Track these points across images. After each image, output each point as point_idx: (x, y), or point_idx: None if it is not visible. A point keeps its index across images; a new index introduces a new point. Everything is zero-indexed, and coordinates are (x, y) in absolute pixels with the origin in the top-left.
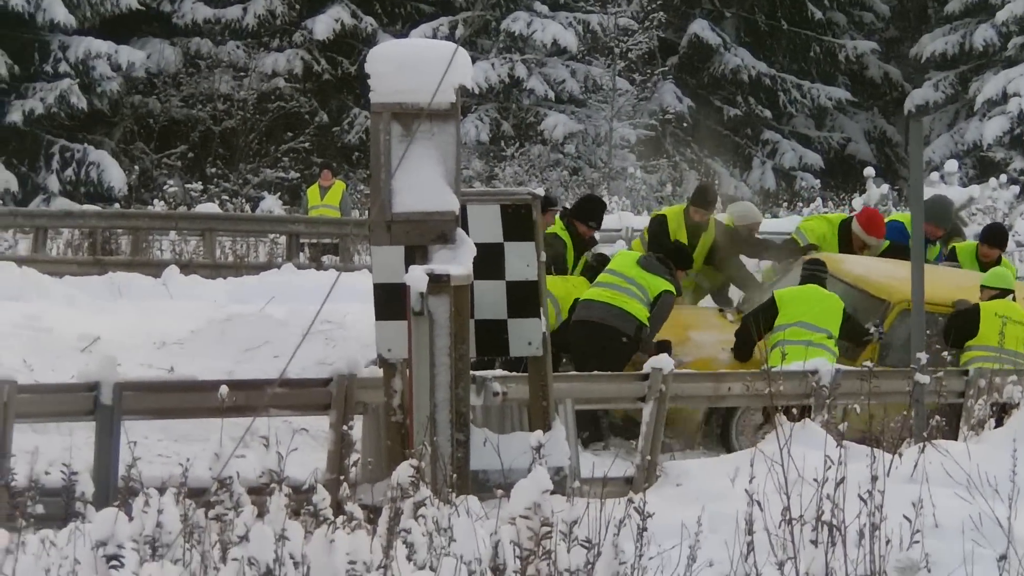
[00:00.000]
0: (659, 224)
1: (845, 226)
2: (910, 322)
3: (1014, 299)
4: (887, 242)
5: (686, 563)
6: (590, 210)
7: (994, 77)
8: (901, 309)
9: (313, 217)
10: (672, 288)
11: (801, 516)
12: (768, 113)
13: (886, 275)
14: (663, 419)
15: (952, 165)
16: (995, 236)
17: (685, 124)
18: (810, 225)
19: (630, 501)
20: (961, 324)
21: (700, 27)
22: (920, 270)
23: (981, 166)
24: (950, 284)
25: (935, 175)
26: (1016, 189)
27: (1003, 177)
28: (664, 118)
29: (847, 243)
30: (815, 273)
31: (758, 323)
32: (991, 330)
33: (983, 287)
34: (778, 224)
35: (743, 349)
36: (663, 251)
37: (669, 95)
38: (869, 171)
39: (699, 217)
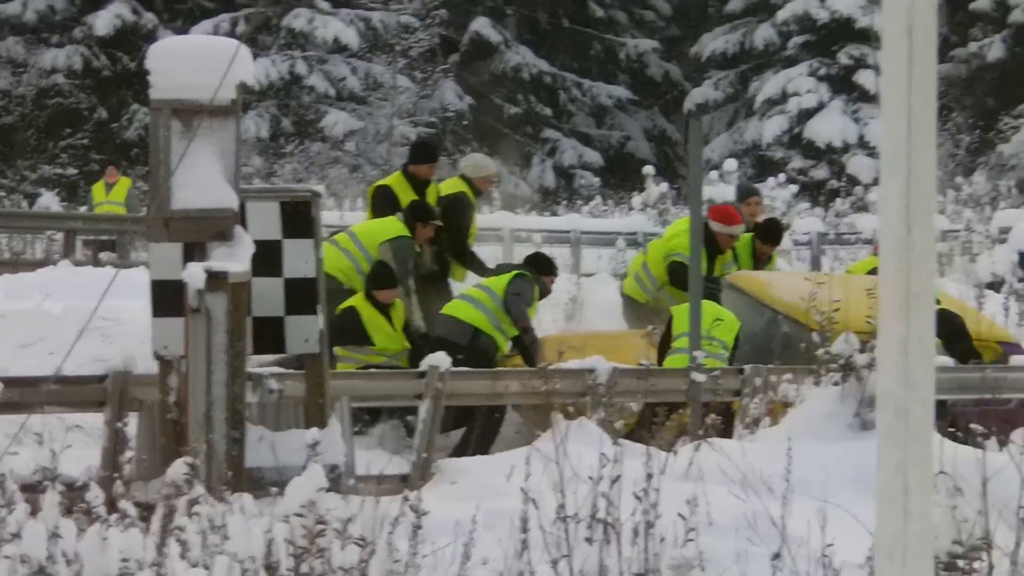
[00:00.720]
0: (383, 195)
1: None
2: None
3: None
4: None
5: (460, 560)
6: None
7: (774, 76)
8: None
9: (91, 214)
10: (406, 233)
11: (576, 514)
12: (548, 111)
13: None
14: (439, 417)
15: (731, 164)
16: (771, 232)
17: (465, 122)
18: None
19: (405, 499)
20: None
21: (481, 24)
22: (697, 268)
23: (760, 165)
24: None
25: (714, 174)
26: (794, 188)
27: (781, 176)
28: (444, 116)
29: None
30: (709, 290)
31: (663, 340)
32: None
33: None
34: (556, 222)
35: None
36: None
37: (450, 93)
38: (648, 169)
39: (422, 174)
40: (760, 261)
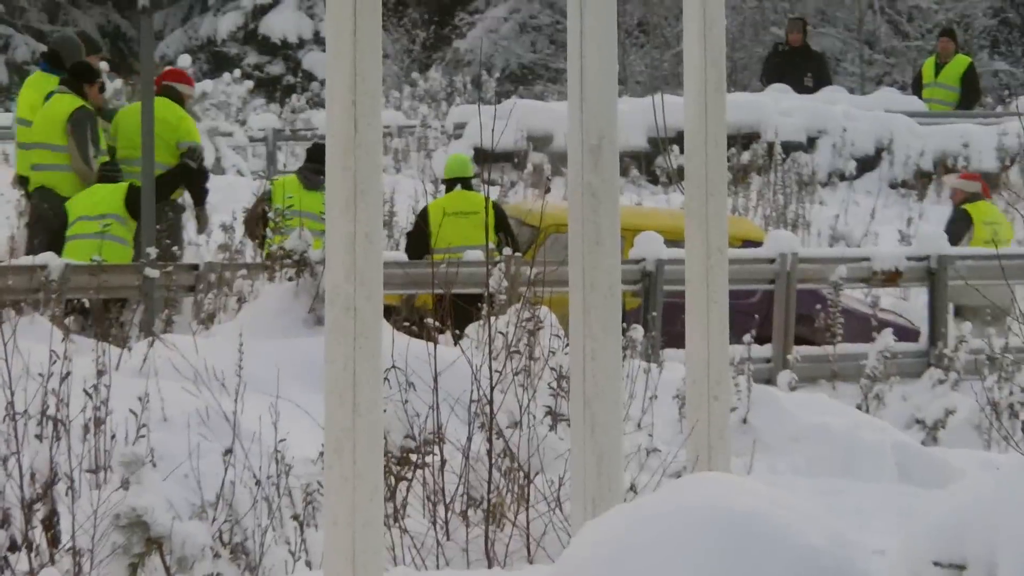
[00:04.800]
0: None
1: None
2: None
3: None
4: None
5: None
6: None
7: None
8: (550, 232)
9: None
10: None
11: (26, 411)
12: (0, 7)
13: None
14: None
15: (186, 60)
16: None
17: None
18: None
19: None
20: None
21: None
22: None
23: (215, 61)
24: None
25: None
26: (250, 84)
27: (237, 72)
28: None
29: None
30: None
31: None
32: None
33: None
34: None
35: None
36: None
37: None
38: (103, 65)
39: None
40: None
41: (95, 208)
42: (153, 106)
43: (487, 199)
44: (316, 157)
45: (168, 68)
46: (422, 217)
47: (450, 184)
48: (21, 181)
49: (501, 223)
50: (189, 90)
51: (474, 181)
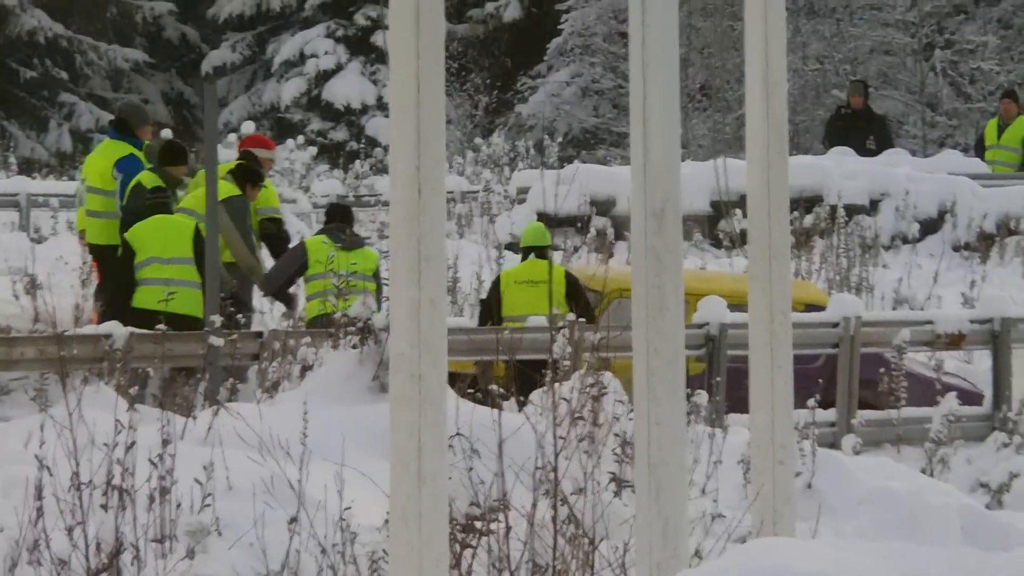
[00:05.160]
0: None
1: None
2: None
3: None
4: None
5: None
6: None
7: (291, 38)
8: (613, 298)
9: None
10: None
11: (91, 481)
12: (65, 75)
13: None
14: None
15: (249, 126)
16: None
17: None
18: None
19: None
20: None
21: None
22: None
23: (279, 127)
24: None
25: (232, 136)
26: (313, 150)
27: (300, 138)
28: None
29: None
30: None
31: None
32: None
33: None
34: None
35: None
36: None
37: None
38: (166, 133)
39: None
40: None
41: (165, 251)
42: (216, 172)
43: (550, 266)
44: (336, 216)
45: (249, 135)
46: (495, 286)
47: (526, 252)
48: (89, 248)
49: (573, 291)
50: (268, 154)
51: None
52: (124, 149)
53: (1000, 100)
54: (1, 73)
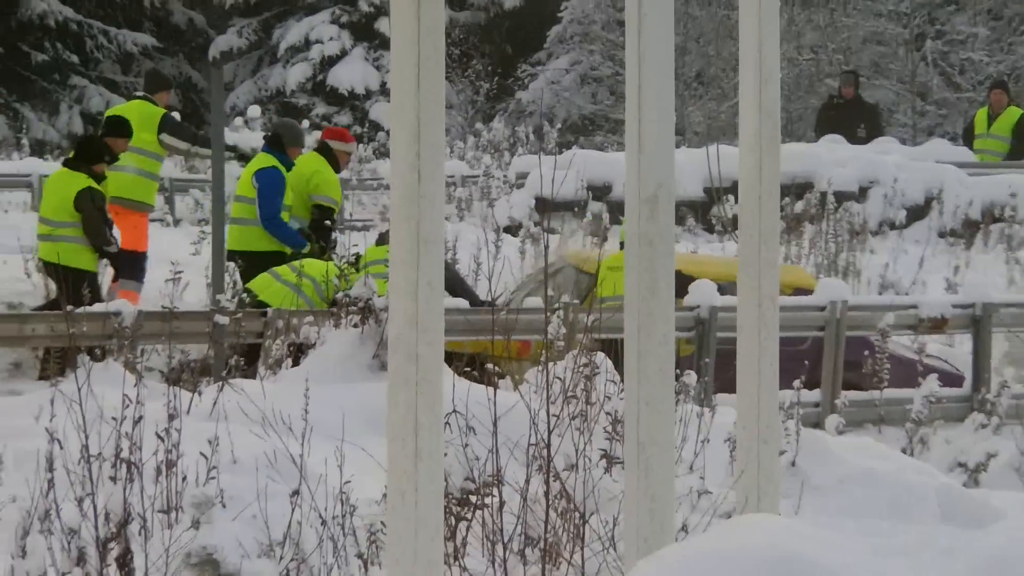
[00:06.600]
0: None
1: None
2: None
3: None
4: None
5: None
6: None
7: (296, 24)
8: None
9: None
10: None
11: (100, 454)
12: (75, 58)
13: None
14: None
15: (255, 110)
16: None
17: None
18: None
19: None
20: None
21: None
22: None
23: (284, 111)
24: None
25: (239, 120)
26: (317, 135)
27: (305, 123)
28: None
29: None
30: None
31: None
32: None
33: None
34: None
35: None
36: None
37: None
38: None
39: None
40: None
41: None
42: (223, 155)
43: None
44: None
45: (329, 127)
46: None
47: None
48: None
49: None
50: (344, 147)
51: (535, 229)
52: (269, 162)
53: (991, 90)
54: (14, 56)
